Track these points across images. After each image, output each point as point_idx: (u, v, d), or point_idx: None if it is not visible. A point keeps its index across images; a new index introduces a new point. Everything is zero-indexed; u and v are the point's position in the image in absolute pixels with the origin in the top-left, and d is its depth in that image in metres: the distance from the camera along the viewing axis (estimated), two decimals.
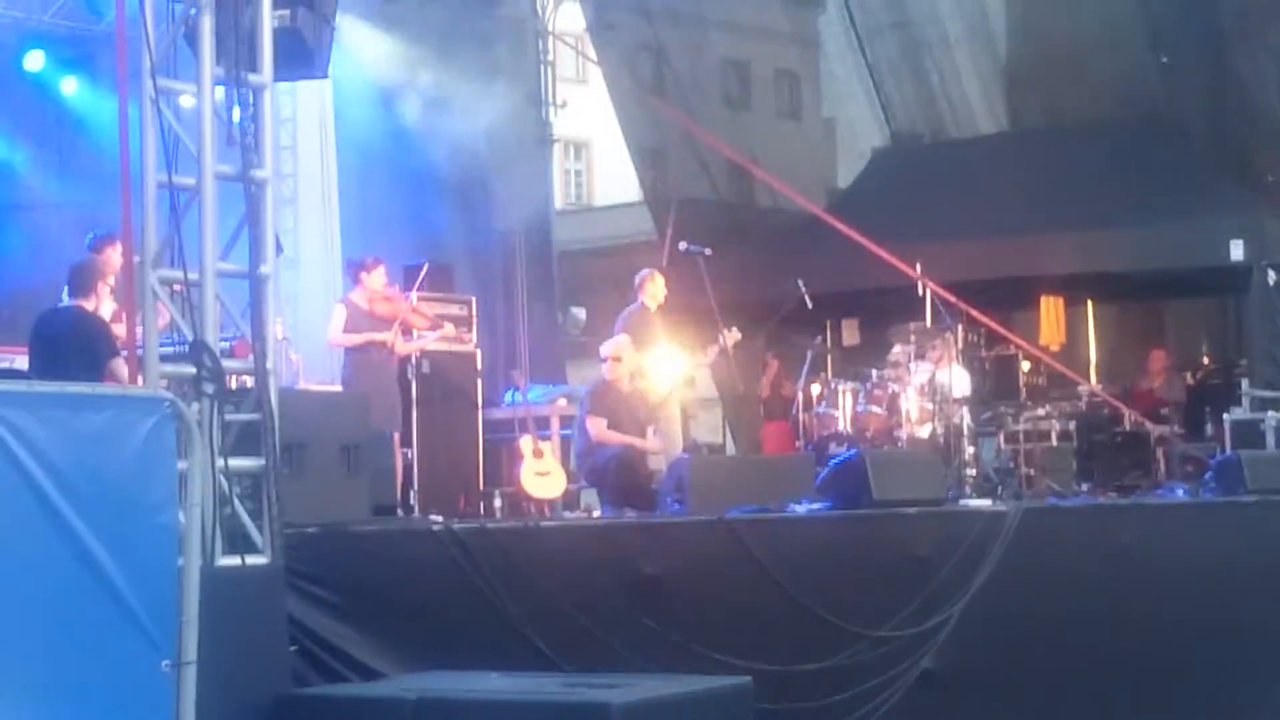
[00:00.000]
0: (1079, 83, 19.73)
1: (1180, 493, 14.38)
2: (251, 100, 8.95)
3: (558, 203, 23.83)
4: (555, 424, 15.78)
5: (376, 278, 14.31)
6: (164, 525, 6.26)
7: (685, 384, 14.91)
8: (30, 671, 5.73)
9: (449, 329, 15.09)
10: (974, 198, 18.75)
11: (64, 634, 5.85)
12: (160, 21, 8.82)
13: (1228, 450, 14.84)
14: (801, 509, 11.36)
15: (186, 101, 9.05)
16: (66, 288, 10.58)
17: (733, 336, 14.95)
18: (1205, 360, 19.68)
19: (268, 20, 9.14)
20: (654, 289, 14.92)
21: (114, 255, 11.48)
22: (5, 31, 16.58)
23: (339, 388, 14.05)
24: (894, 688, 10.38)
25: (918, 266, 15.24)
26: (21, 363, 11.66)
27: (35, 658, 5.75)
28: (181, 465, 6.45)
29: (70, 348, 10.12)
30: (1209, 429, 17.03)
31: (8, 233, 15.35)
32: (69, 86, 16.93)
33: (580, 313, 19.46)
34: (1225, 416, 15.79)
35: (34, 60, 16.65)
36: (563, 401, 16.15)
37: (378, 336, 14.04)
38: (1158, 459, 16.74)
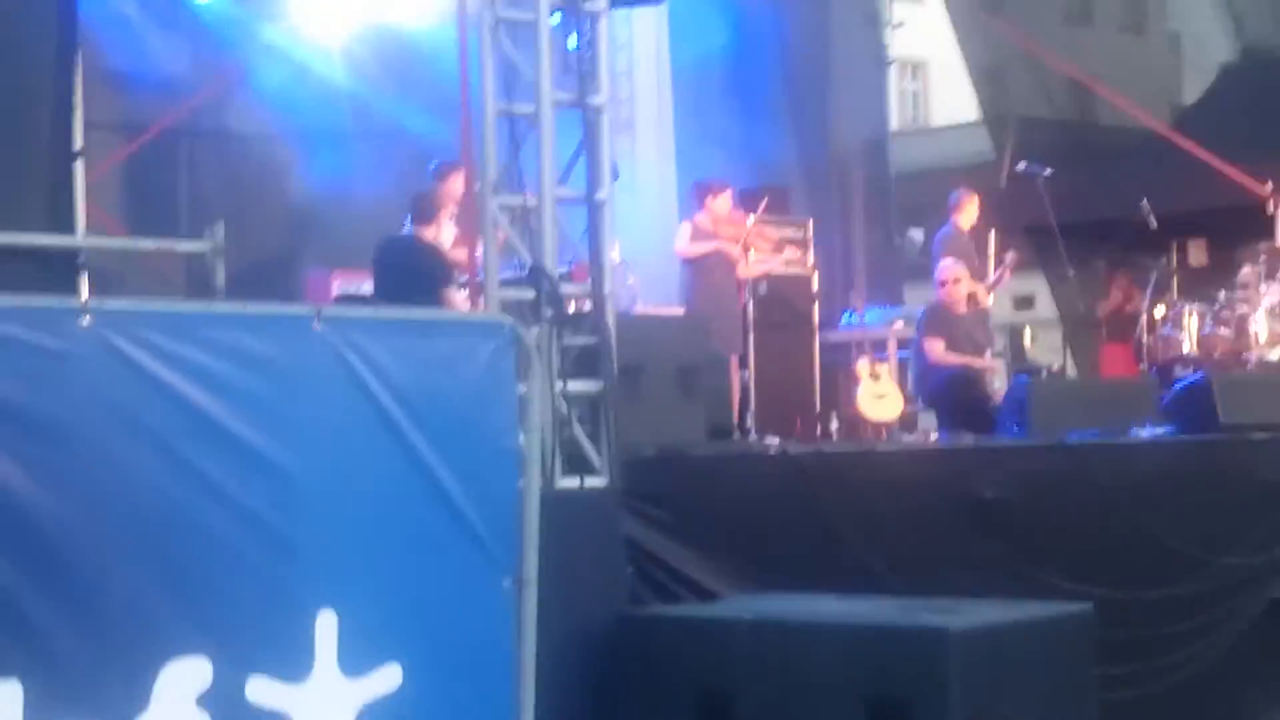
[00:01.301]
0: None
1: None
2: (588, 27, 9.02)
3: (894, 124, 23.61)
4: (892, 346, 15.67)
5: (723, 202, 14.43)
6: (505, 448, 6.32)
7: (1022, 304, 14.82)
8: (378, 587, 5.86)
9: (790, 253, 15.12)
10: None
11: (410, 552, 5.98)
12: None
13: None
14: (1145, 434, 11.14)
15: (525, 30, 9.17)
16: (409, 215, 10.79)
17: (1014, 256, 14.86)
18: None
19: None
20: (969, 210, 14.91)
21: (457, 182, 11.71)
22: None
23: (677, 311, 14.14)
24: (1240, 616, 10.11)
25: (1268, 185, 14.79)
26: (368, 287, 11.98)
27: (383, 574, 5.89)
28: (521, 389, 6.52)
29: (410, 274, 10.34)
30: None
31: (352, 160, 15.71)
32: (411, 18, 17.25)
33: (918, 235, 19.19)
34: None
35: None
36: (900, 323, 16.01)
37: (726, 246, 14.17)
38: None
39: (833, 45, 18.96)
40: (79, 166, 8.83)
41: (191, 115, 15.71)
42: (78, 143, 8.87)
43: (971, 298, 14.26)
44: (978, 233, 14.98)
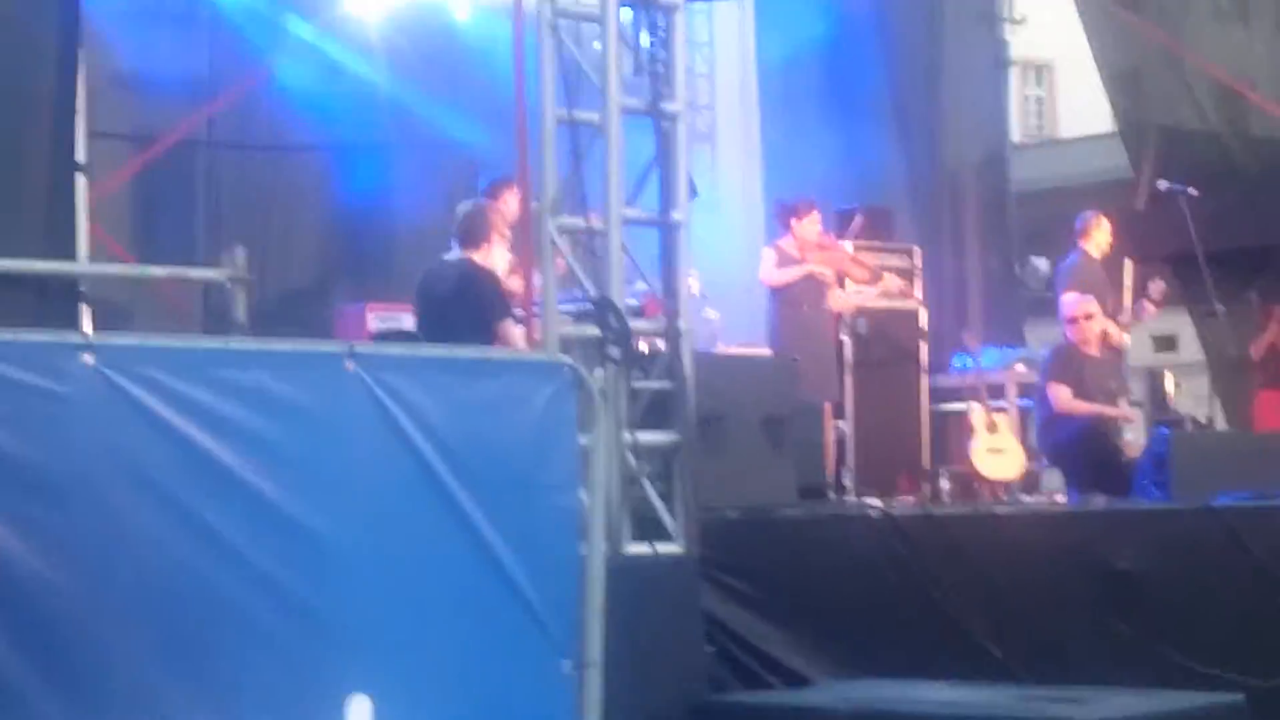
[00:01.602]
0: None
1: None
2: (662, 22, 9.03)
3: (1015, 135, 23.53)
4: (1012, 392, 15.58)
5: (810, 224, 14.40)
6: (564, 507, 6.33)
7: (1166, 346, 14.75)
8: (418, 669, 5.86)
9: (890, 281, 15.08)
10: None
11: (455, 628, 5.98)
12: None
13: None
14: None
15: (590, 27, 9.19)
16: (455, 238, 10.79)
17: (1158, 288, 14.74)
18: None
19: None
20: (1099, 236, 14.75)
21: (510, 201, 11.72)
22: None
23: (764, 350, 14.12)
24: None
25: None
26: (409, 321, 11.99)
27: (423, 654, 5.89)
28: (584, 439, 6.52)
29: (458, 306, 10.32)
30: None
31: (394, 174, 15.78)
32: (461, 12, 17.34)
33: (1042, 263, 19.13)
34: None
35: None
36: (1021, 366, 15.93)
37: (819, 270, 14.16)
38: None
39: (944, 43, 18.94)
40: (81, 181, 8.89)
41: (210, 124, 15.79)
42: (80, 154, 8.94)
43: (1105, 337, 14.19)
44: (1110, 262, 14.90)
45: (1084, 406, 13.59)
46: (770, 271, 14.31)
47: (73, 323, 8.29)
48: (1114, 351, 14.56)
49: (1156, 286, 14.91)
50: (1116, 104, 21.31)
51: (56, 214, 8.66)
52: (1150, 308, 15.00)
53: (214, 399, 5.42)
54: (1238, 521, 10.09)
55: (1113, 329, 14.43)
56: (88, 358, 5.22)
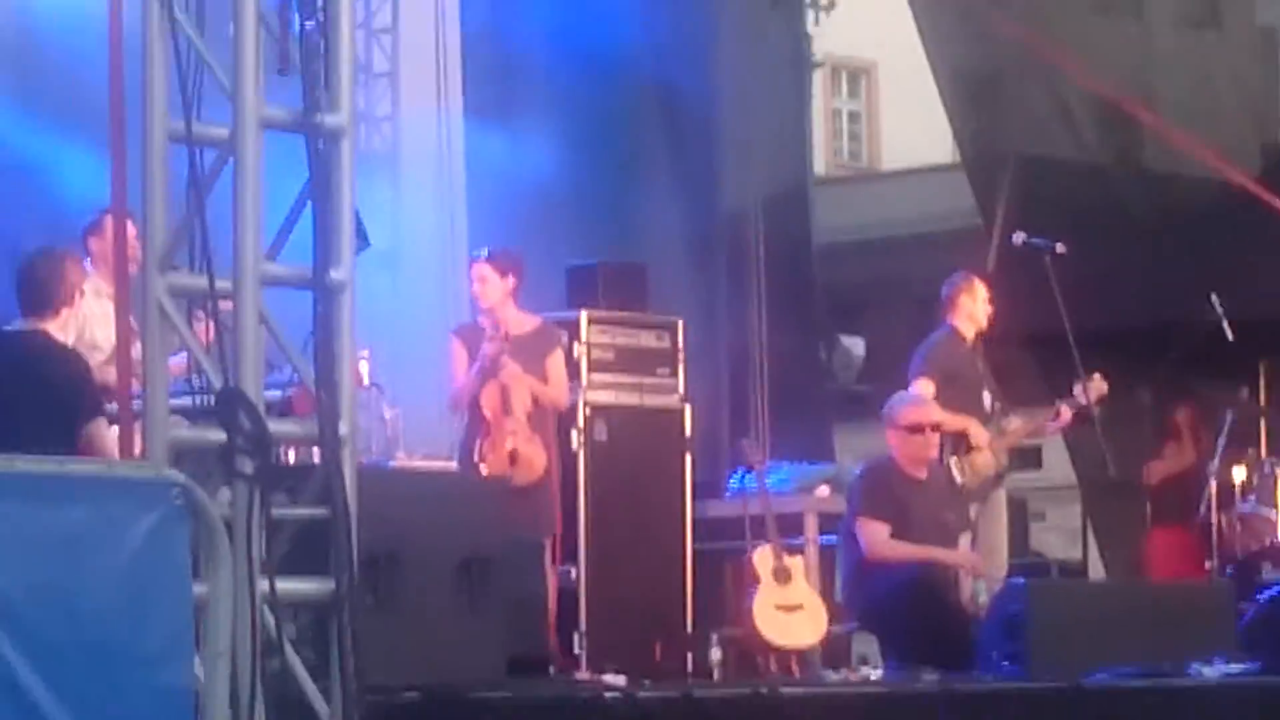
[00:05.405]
0: None
1: None
2: (319, 3, 9.11)
3: (820, 165, 23.93)
4: (812, 527, 15.83)
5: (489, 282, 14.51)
6: (168, 687, 6.34)
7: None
8: None
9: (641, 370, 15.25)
10: None
11: None
12: None
13: None
14: (1212, 672, 11.30)
15: (218, 6, 9.24)
16: (20, 301, 10.76)
17: (1096, 388, 14.94)
18: None
19: None
20: (971, 305, 15.03)
21: (101, 247, 11.72)
22: None
23: (456, 464, 14.22)
24: None
25: None
26: None
27: None
28: (200, 589, 6.54)
29: (27, 399, 10.29)
30: None
31: None
32: None
33: (857, 344, 19.47)
34: None
35: None
36: (824, 490, 16.19)
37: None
38: None
39: (723, 34, 19.17)
40: None
41: None
42: None
43: (967, 448, 14.40)
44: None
45: (907, 550, 13.80)
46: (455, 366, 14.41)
47: None
48: (973, 472, 14.75)
49: (1095, 384, 15.01)
50: (961, 126, 21.69)
51: None
52: (1063, 414, 15.18)
53: None
54: (1117, 704, 10.35)
55: (982, 437, 14.60)
56: None
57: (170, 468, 7.56)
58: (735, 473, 16.42)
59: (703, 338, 16.91)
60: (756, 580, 14.80)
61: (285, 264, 9.09)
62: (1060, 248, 15.25)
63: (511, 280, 14.44)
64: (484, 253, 14.69)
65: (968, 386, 14.70)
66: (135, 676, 6.24)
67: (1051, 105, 21.00)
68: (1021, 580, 13.75)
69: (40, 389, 10.30)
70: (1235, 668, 11.34)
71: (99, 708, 6.10)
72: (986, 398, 14.97)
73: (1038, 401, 15.44)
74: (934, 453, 14.20)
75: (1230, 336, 15.93)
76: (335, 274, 9.05)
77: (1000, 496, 14.90)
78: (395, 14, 18.07)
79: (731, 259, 18.86)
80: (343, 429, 8.97)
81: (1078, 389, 14.93)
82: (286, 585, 8.68)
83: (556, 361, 14.53)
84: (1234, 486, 15.66)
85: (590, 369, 15.05)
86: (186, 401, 9.26)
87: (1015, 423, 15.17)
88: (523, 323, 14.49)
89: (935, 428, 14.12)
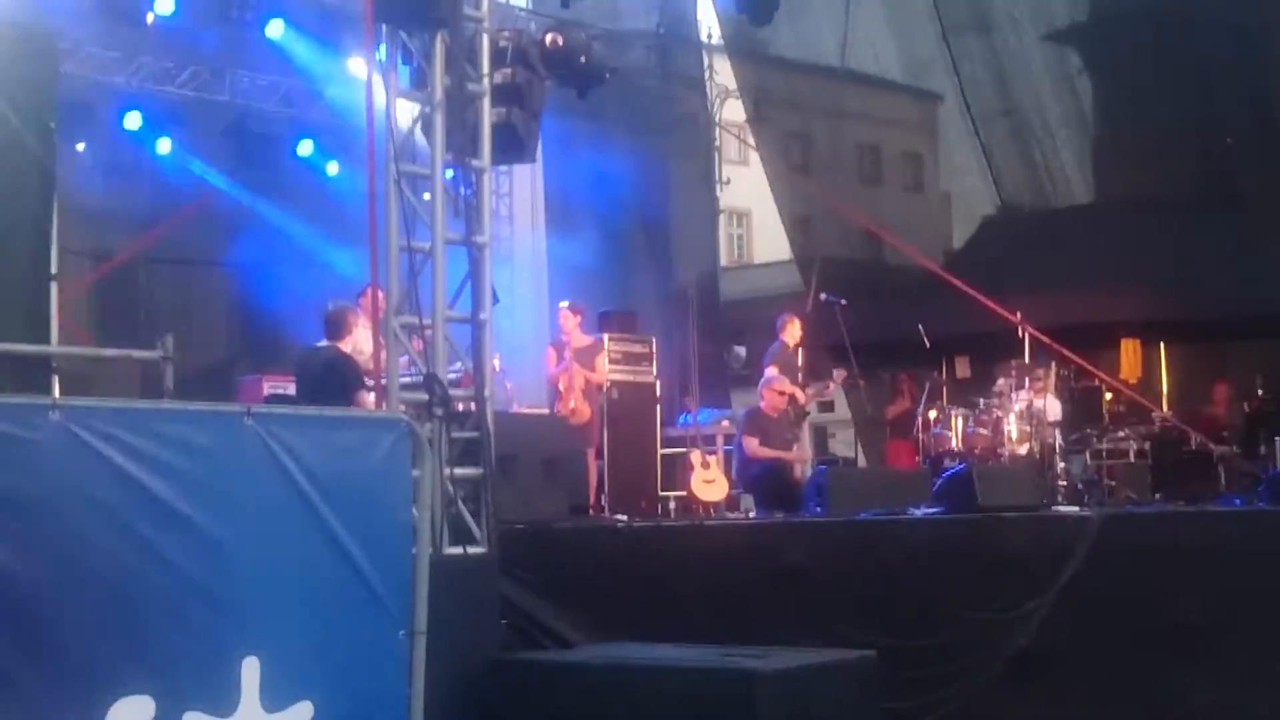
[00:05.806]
0: (1157, 159, 19.31)
1: (1238, 502, 13.98)
2: (474, 180, 9.09)
3: (724, 260, 23.83)
4: (720, 441, 15.75)
5: (567, 319, 14.55)
6: (402, 521, 6.31)
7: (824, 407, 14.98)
8: (295, 637, 5.81)
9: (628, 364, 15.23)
10: (1066, 256, 18.43)
11: (321, 608, 5.92)
12: (402, 118, 9.01)
13: (1278, 467, 14.43)
14: (919, 513, 11.24)
15: (423, 181, 9.22)
16: (324, 330, 10.73)
17: (839, 374, 15.10)
18: (1260, 392, 19.11)
19: (487, 116, 9.30)
20: (792, 329, 15.01)
21: (365, 303, 11.70)
22: (280, 125, 17.01)
23: (545, 410, 14.18)
24: (994, 662, 10.20)
25: (1018, 314, 15.09)
26: (292, 389, 11.90)
27: (299, 626, 5.83)
28: (415, 473, 6.52)
29: (328, 379, 10.26)
30: (1262, 449, 16.56)
31: (291, 285, 15.66)
32: (332, 169, 17.30)
33: (741, 351, 19.34)
34: (1277, 439, 15.37)
35: (305, 148, 17.10)
36: (726, 423, 16.12)
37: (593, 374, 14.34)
38: (1219, 474, 16.29)
39: (675, 198, 19.19)
40: (54, 286, 8.76)
41: (150, 245, 15.66)
42: (53, 267, 8.80)
43: (793, 400, 14.37)
44: (800, 348, 15.12)
45: (767, 452, 13.78)
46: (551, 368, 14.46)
47: (46, 389, 8.15)
48: (799, 410, 14.73)
49: (839, 374, 15.09)
50: (793, 240, 21.66)
51: (35, 310, 8.54)
52: (831, 385, 15.29)
53: (150, 446, 5.35)
54: (872, 529, 10.30)
55: (800, 395, 14.65)
56: (55, 414, 5.15)
57: (400, 413, 7.54)
58: (682, 414, 16.36)
59: (665, 347, 16.84)
60: (692, 467, 14.76)
61: (458, 310, 9.08)
62: (844, 301, 15.25)
63: (578, 318, 14.46)
64: (566, 303, 14.71)
65: (791, 371, 14.68)
66: (385, 515, 6.21)
67: (836, 230, 20.95)
68: (824, 466, 13.67)
69: (335, 376, 10.28)
70: (931, 510, 11.27)
71: (365, 531, 6.07)
72: (800, 377, 14.97)
73: (822, 379, 15.41)
74: (782, 403, 14.18)
75: (928, 345, 15.94)
76: (482, 316, 9.04)
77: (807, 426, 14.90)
78: (511, 183, 17.95)
79: (678, 308, 18.78)
80: (486, 393, 8.97)
81: (835, 374, 15.05)
82: (459, 471, 8.68)
83: (601, 361, 14.53)
84: (930, 420, 15.59)
85: (610, 363, 15.00)
86: (408, 380, 9.27)
87: (814, 389, 15.20)
88: (583, 340, 14.49)
89: (782, 391, 14.10)
